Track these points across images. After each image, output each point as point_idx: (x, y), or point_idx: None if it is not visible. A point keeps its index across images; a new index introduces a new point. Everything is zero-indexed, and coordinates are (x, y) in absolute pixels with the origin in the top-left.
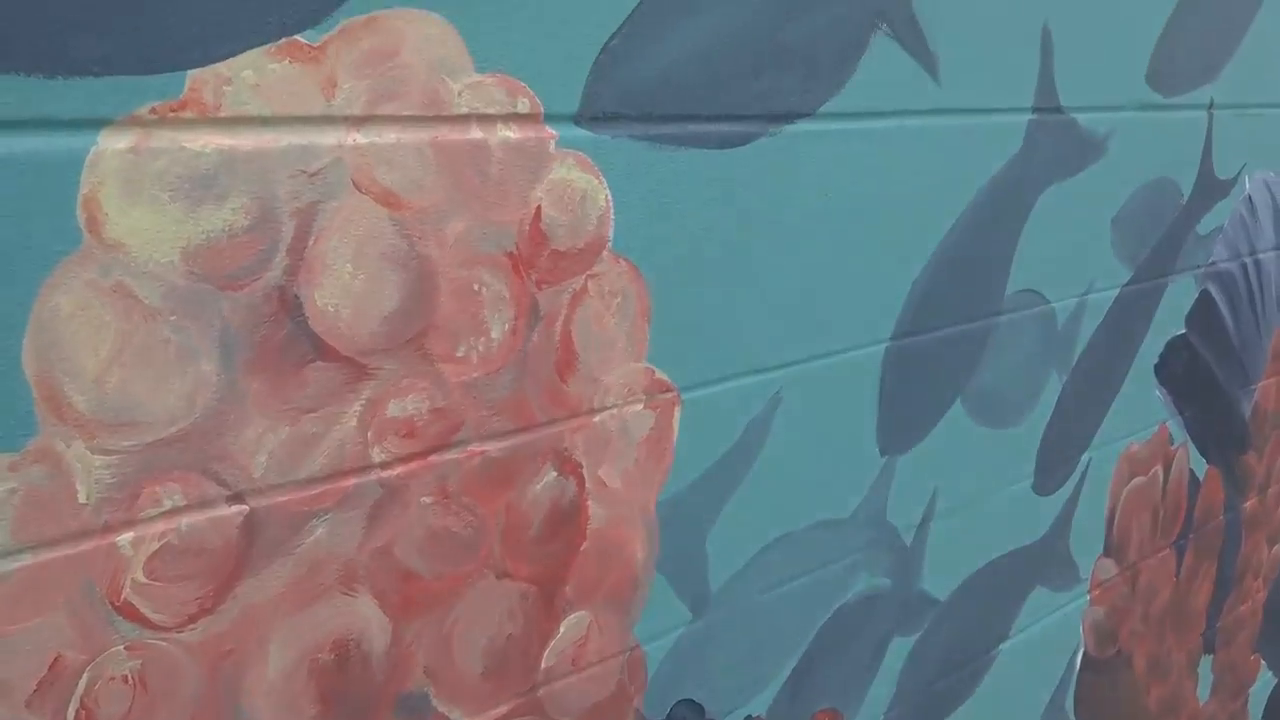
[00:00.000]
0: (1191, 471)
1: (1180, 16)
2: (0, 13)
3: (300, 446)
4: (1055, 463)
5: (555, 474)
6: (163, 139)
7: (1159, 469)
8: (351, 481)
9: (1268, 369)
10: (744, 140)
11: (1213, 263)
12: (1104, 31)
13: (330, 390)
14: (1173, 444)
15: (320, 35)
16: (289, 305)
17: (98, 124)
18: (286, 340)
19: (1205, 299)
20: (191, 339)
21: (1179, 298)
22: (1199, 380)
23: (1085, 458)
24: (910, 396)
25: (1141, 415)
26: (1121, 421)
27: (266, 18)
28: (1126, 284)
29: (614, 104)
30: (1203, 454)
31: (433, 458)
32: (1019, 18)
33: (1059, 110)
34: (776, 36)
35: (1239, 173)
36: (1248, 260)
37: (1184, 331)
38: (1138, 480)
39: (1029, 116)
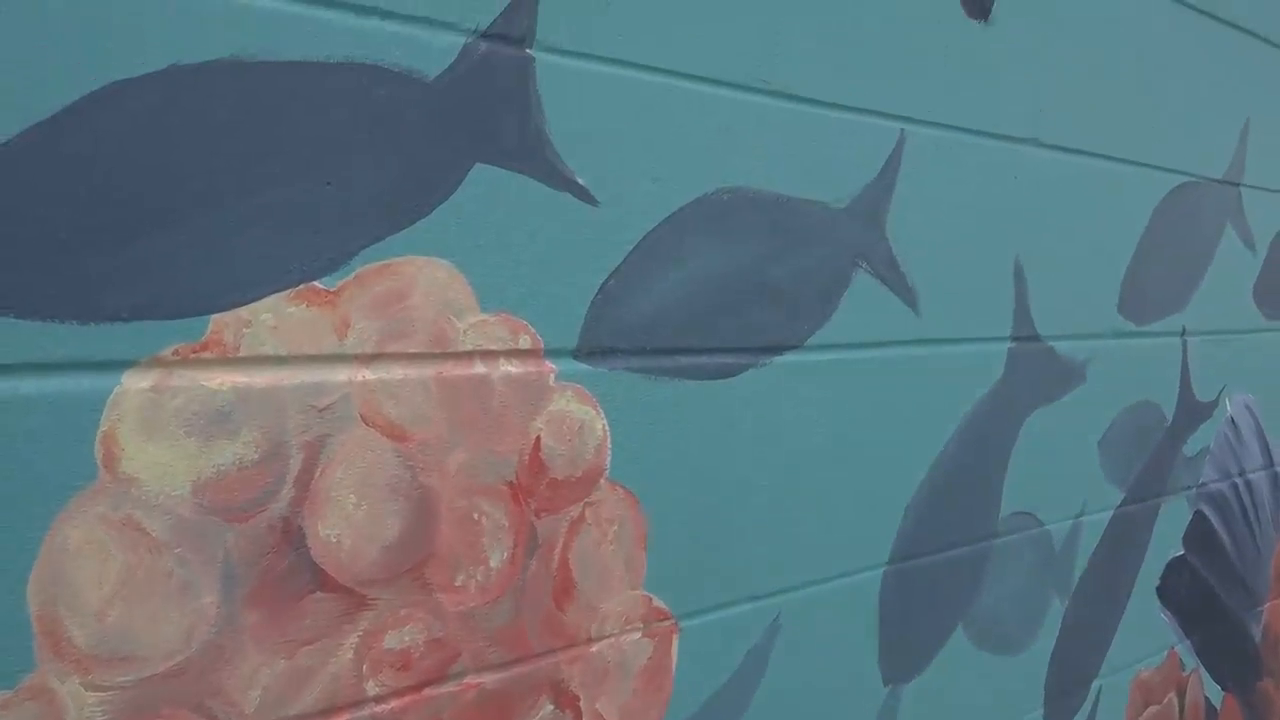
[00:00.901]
0: (1207, 699)
1: (1145, 249)
2: (39, 265)
3: (295, 680)
4: (1065, 691)
5: (552, 707)
6: (183, 378)
7: (1173, 696)
8: (345, 718)
9: (1273, 590)
10: (735, 371)
11: (1203, 484)
12: (1073, 263)
13: (328, 622)
14: (1184, 670)
15: (337, 280)
16: (292, 536)
17: (123, 365)
18: (287, 571)
19: (1200, 520)
20: (194, 572)
21: (1174, 519)
22: (1204, 602)
23: (1095, 685)
24: (911, 622)
25: (1149, 640)
26: (1129, 647)
27: (288, 266)
28: (1120, 505)
29: (610, 339)
30: (1217, 681)
31: (428, 690)
32: (991, 252)
33: (1037, 339)
34: (763, 275)
35: (1219, 395)
36: (1238, 480)
37: (1182, 553)
38: (1152, 709)
39: (1008, 345)
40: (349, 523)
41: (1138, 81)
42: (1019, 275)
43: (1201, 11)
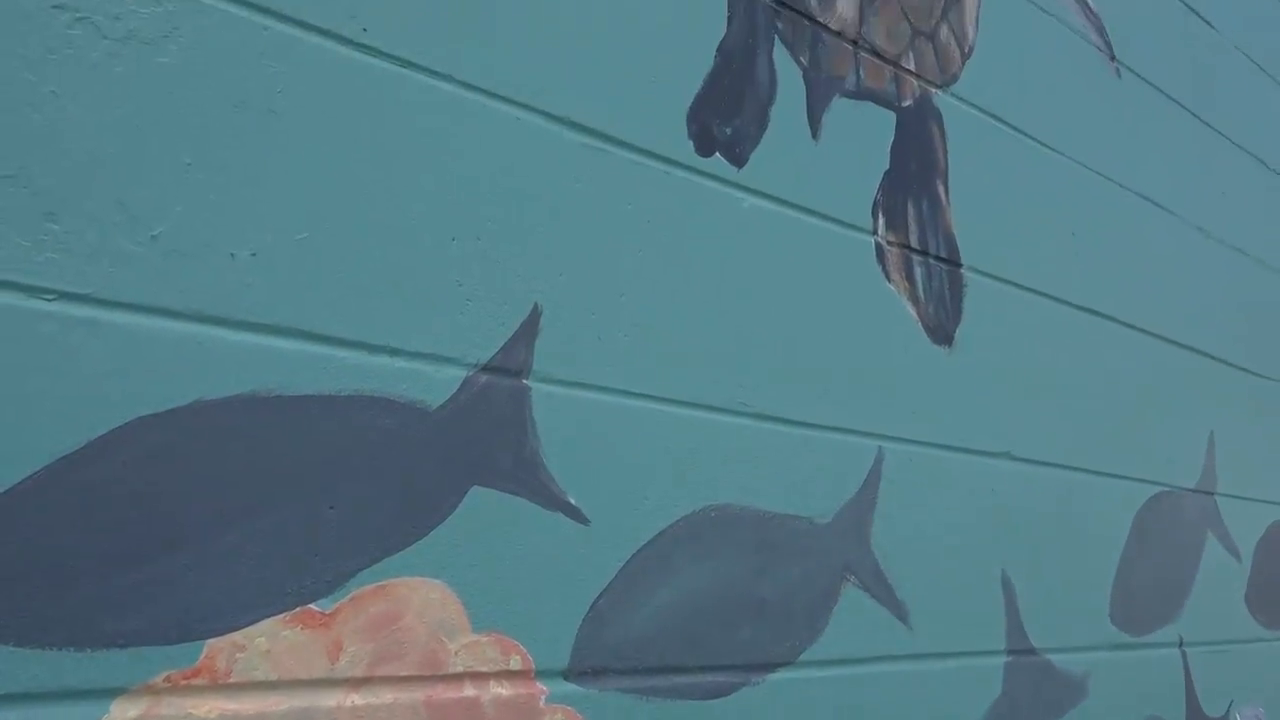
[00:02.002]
0: None
1: (1130, 558)
2: (41, 593)
3: None
4: None
5: None
6: (171, 705)
7: None
8: None
9: None
10: (728, 690)
11: None
12: (1060, 574)
13: None
14: None
15: (333, 602)
16: None
17: (113, 693)
18: None
19: None
20: None
21: None
22: None
23: None
24: None
25: None
26: None
27: (286, 588)
28: None
29: (602, 659)
30: None
31: None
32: (977, 564)
33: (1033, 652)
34: (752, 591)
35: (1229, 710)
36: None
37: None
38: None
39: (1004, 659)
40: None
41: (1102, 399)
42: (1007, 587)
43: (1156, 336)
